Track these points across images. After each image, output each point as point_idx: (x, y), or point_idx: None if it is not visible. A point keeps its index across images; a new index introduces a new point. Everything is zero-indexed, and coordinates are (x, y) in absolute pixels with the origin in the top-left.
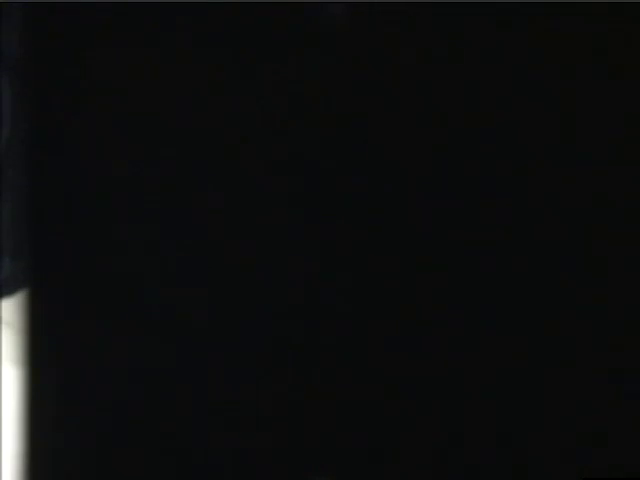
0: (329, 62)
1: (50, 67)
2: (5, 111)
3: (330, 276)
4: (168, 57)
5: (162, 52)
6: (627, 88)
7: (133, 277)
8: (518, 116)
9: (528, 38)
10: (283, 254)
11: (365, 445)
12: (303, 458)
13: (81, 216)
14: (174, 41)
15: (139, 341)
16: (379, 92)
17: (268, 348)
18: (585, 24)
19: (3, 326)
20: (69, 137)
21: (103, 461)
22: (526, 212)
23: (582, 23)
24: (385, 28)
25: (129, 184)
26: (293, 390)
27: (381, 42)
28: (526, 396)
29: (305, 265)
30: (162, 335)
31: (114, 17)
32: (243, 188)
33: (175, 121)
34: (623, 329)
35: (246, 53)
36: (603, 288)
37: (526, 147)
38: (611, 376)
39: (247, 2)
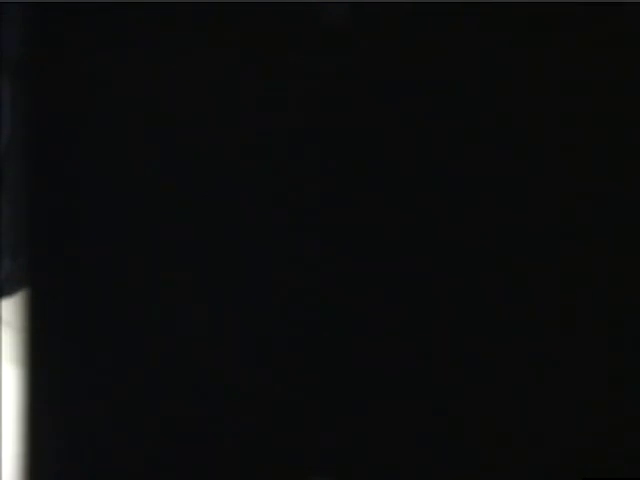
0: (330, 62)
1: (50, 67)
2: (5, 111)
3: (331, 277)
4: (168, 57)
5: (162, 52)
6: (627, 88)
7: (133, 277)
8: (518, 116)
9: (528, 38)
10: (283, 255)
11: (365, 445)
12: (303, 458)
13: (81, 216)
14: (174, 41)
15: (139, 341)
16: (379, 92)
17: (268, 349)
18: (585, 24)
19: (3, 326)
20: (69, 137)
21: (103, 461)
22: (526, 212)
23: (582, 23)
24: (386, 28)
25: (129, 184)
26: (293, 390)
27: (382, 42)
28: (526, 396)
29: (306, 266)
30: (162, 335)
31: (114, 17)
32: (243, 188)
33: (175, 121)
34: (623, 330)
35: (246, 53)
36: (603, 288)
37: (526, 147)
38: (611, 376)
39: (247, 2)
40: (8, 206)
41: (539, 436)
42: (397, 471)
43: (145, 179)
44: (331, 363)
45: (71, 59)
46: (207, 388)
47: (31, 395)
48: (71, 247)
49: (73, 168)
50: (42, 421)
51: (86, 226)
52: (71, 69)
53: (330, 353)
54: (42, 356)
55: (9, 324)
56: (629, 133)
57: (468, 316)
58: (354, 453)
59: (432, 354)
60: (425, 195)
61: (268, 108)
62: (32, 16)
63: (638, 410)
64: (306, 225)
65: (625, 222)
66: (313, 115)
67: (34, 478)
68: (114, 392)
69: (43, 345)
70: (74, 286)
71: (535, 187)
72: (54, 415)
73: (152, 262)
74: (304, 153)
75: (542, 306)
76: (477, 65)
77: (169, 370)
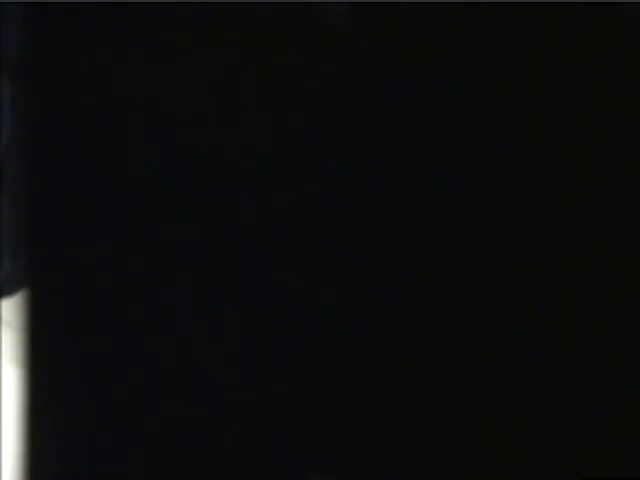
0: (330, 62)
1: (50, 67)
2: (5, 111)
3: (331, 277)
4: (168, 57)
5: (162, 52)
6: (627, 88)
7: (133, 277)
8: (518, 116)
9: (528, 38)
10: (283, 255)
11: (365, 445)
12: (303, 458)
13: (81, 216)
14: (174, 41)
15: (139, 341)
16: (379, 92)
17: (268, 349)
18: (585, 24)
19: (3, 326)
20: (69, 137)
21: (103, 461)
22: (526, 212)
23: (582, 23)
24: (386, 28)
25: (129, 184)
26: (293, 390)
27: (382, 42)
28: (526, 396)
29: (306, 266)
30: (162, 335)
31: (114, 17)
32: (243, 188)
33: (175, 121)
34: (623, 330)
35: (246, 53)
36: (603, 288)
37: (526, 147)
38: (611, 376)
39: (247, 2)
40: (8, 206)
41: (539, 436)
42: (397, 471)
43: (145, 179)
44: (331, 363)
45: (71, 59)
46: (207, 388)
47: (31, 395)
48: (71, 247)
49: (73, 168)
50: (42, 421)
51: (86, 226)
52: (71, 69)
53: (330, 353)
54: (42, 356)
55: (9, 324)
56: (629, 133)
57: (468, 316)
58: (354, 453)
59: (432, 354)
60: (425, 195)
61: (268, 108)
62: (32, 16)
63: (638, 410)
64: (306, 225)
65: (625, 222)
66: (313, 115)
67: (34, 478)
68: (114, 392)
69: (43, 345)
70: (74, 286)
71: (535, 187)
72: (54, 415)
73: (152, 262)
74: (304, 153)
75: (542, 306)
76: (477, 65)
77: (169, 370)
